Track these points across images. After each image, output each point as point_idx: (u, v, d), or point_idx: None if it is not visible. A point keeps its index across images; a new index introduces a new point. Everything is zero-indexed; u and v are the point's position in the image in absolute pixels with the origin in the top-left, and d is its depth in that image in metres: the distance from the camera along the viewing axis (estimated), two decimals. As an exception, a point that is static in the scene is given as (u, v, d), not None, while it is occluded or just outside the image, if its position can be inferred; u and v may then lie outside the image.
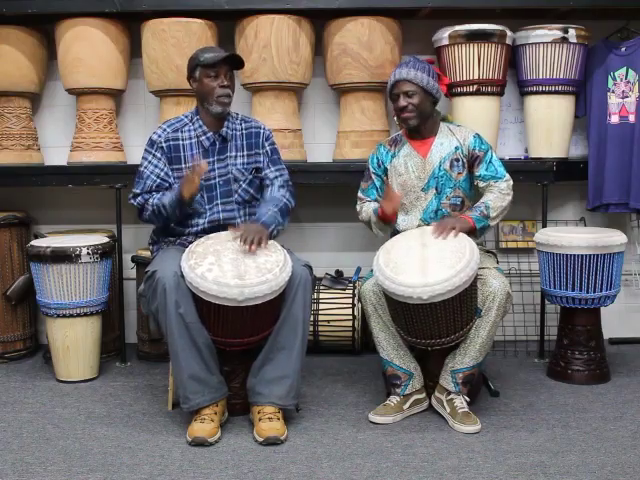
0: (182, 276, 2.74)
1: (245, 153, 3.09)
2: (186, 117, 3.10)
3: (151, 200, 2.98)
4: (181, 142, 3.04)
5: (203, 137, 3.04)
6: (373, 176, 3.23)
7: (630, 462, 2.54)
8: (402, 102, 3.06)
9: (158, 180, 3.02)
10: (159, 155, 3.03)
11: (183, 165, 3.03)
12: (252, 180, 3.09)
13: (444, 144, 3.14)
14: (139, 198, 3.03)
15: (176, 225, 3.05)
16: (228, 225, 2.99)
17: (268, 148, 3.14)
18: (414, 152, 3.16)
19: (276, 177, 3.13)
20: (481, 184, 3.12)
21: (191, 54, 3.05)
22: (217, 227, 3.02)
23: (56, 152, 3.97)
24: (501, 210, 3.07)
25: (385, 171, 3.21)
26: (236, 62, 3.04)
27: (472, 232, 3.00)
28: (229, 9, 3.57)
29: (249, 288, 2.65)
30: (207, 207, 3.03)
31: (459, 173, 3.12)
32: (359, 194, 3.28)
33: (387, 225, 3.16)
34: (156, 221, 3.05)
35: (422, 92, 3.05)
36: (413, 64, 3.07)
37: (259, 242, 2.79)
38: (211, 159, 3.04)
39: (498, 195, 3.07)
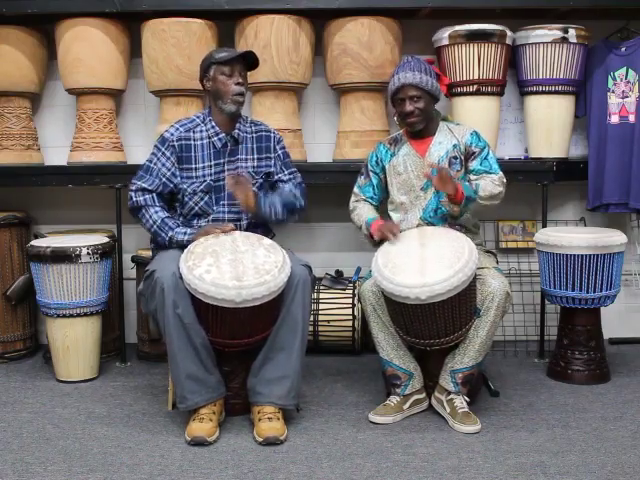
0: (181, 277, 2.74)
1: (255, 156, 3.09)
2: (198, 117, 3.08)
3: (153, 214, 2.96)
4: (193, 142, 3.02)
5: (215, 138, 3.02)
6: (371, 174, 3.23)
7: (630, 462, 2.54)
8: (408, 107, 3.05)
9: (164, 179, 3.00)
10: (168, 154, 3.00)
11: (193, 165, 3.01)
12: (262, 184, 3.09)
13: (442, 143, 3.13)
14: (141, 199, 2.99)
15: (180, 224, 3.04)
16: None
17: (280, 152, 3.15)
18: (413, 151, 3.15)
19: (289, 179, 3.15)
20: (473, 177, 3.09)
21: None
22: None
23: (56, 152, 3.97)
24: (490, 195, 3.03)
25: (383, 170, 3.21)
26: (250, 62, 3.04)
27: (456, 200, 2.95)
28: (229, 9, 3.57)
29: (247, 290, 2.64)
30: (214, 208, 3.03)
31: (457, 171, 3.11)
32: (355, 189, 3.28)
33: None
34: (145, 230, 3.04)
35: (427, 95, 3.05)
36: (416, 65, 3.05)
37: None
38: (222, 160, 3.03)
39: (489, 182, 3.05)
